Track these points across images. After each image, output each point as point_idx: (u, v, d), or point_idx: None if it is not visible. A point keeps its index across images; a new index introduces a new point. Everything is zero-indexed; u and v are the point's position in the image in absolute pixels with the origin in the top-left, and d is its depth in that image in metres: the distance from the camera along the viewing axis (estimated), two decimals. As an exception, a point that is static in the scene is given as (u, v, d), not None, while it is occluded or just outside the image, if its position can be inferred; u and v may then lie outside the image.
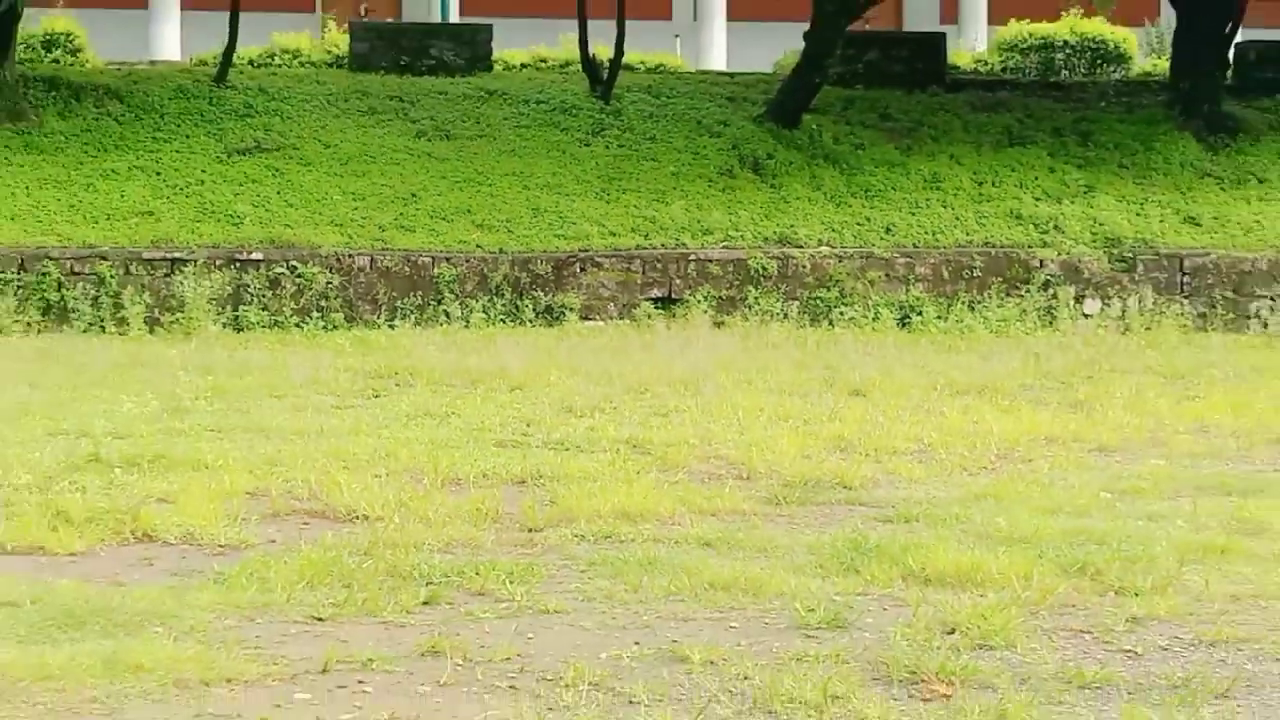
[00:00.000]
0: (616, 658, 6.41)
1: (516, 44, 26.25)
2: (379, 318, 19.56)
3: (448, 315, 19.50)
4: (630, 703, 5.86)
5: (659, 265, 20.48)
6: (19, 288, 19.22)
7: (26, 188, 20.59)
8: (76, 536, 8.29)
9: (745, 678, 6.15)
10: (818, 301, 20.35)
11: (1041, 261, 21.10)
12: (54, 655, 6.28)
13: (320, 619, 6.96)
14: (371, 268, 19.95)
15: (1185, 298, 21.14)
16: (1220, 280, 21.44)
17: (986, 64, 27.78)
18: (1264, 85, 25.19)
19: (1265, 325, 21.05)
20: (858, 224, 21.44)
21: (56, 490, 9.16)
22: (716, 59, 30.36)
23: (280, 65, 25.24)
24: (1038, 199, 22.18)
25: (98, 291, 19.29)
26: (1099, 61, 27.46)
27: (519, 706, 5.83)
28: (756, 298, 20.27)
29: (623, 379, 14.37)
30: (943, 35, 28.63)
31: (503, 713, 5.72)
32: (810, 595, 7.33)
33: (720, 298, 20.23)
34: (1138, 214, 22.09)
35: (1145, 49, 27.97)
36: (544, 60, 25.59)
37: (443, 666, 6.30)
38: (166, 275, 19.48)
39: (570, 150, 22.59)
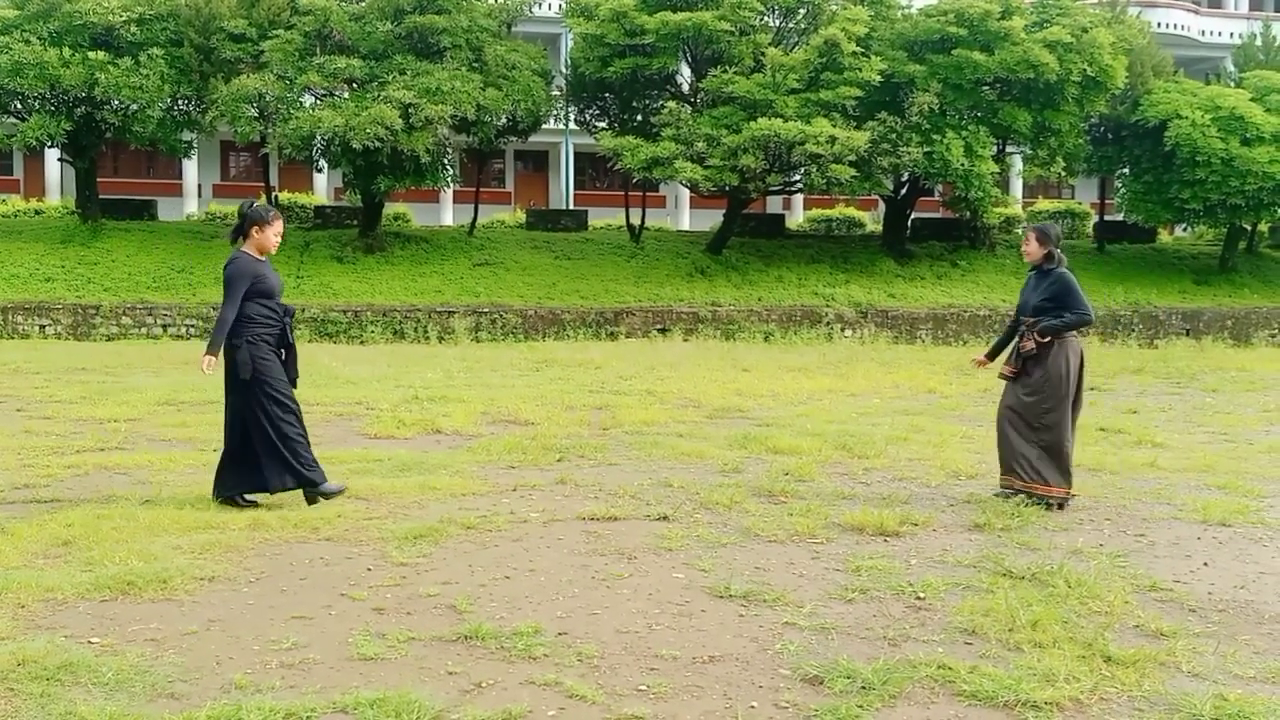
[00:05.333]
0: (641, 484, 6.44)
1: (599, 217, 26.17)
2: (538, 336, 19.50)
3: (568, 335, 19.49)
4: (646, 504, 5.90)
5: (659, 313, 20.34)
6: (382, 324, 19.24)
7: (387, 282, 20.56)
8: (406, 431, 8.36)
9: (696, 493, 6.18)
10: (728, 330, 20.23)
11: (826, 312, 20.95)
12: (398, 483, 6.33)
13: (513, 466, 7.00)
14: (535, 315, 19.91)
15: (888, 329, 21.01)
16: (903, 320, 21.29)
17: (802, 227, 27.58)
18: (922, 237, 25.10)
19: (924, 341, 20.93)
20: (745, 295, 21.27)
21: (397, 411, 9.23)
22: (685, 223, 30.19)
23: (495, 226, 25.18)
24: (824, 284, 21.94)
25: (417, 324, 19.28)
26: (852, 226, 27.30)
27: (599, 502, 5.87)
28: (701, 328, 20.13)
29: (643, 363, 14.35)
30: (783, 214, 28.45)
31: (592, 507, 5.76)
32: (724, 458, 7.36)
33: (685, 328, 20.13)
34: (868, 291, 21.89)
35: (873, 220, 27.76)
36: (610, 225, 25.48)
37: (565, 489, 6.35)
38: (446, 317, 19.46)
39: (621, 264, 22.41)
